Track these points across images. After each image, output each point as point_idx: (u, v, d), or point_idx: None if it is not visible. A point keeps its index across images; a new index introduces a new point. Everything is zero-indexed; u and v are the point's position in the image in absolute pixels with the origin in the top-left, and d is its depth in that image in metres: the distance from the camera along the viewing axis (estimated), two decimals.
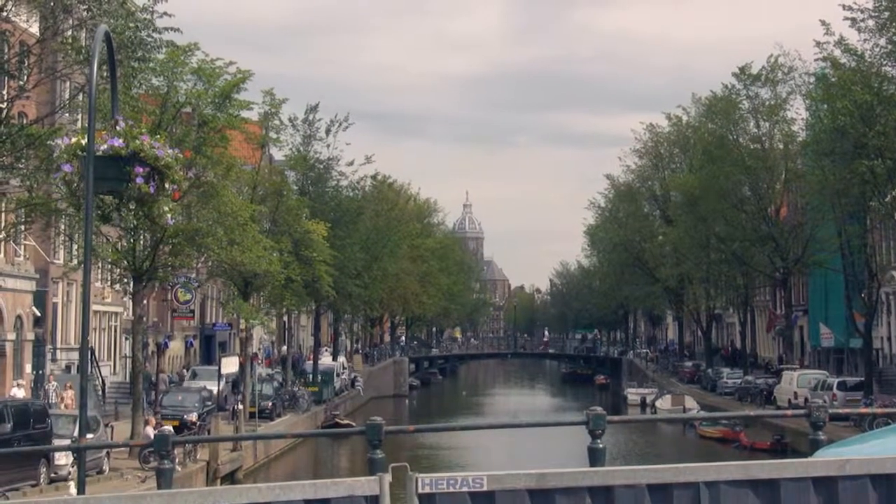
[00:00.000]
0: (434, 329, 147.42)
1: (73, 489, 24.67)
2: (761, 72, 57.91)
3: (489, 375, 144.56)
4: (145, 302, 42.52)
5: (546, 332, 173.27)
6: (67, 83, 35.06)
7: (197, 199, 34.74)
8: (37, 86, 27.91)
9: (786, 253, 58.14)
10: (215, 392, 45.46)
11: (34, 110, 31.45)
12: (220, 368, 46.42)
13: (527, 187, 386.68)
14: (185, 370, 58.23)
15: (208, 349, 69.02)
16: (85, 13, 26.66)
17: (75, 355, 45.85)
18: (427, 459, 41.57)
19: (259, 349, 73.48)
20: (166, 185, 11.07)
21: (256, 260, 39.20)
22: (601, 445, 9.67)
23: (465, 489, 8.69)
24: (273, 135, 48.79)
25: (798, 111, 57.88)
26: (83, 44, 27.56)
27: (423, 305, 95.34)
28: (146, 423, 33.22)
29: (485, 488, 8.70)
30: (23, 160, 27.60)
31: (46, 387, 38.19)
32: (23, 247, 40.48)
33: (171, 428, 31.73)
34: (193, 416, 39.16)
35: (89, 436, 25.64)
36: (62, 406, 34.27)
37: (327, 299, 58.37)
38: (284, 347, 71.11)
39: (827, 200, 49.33)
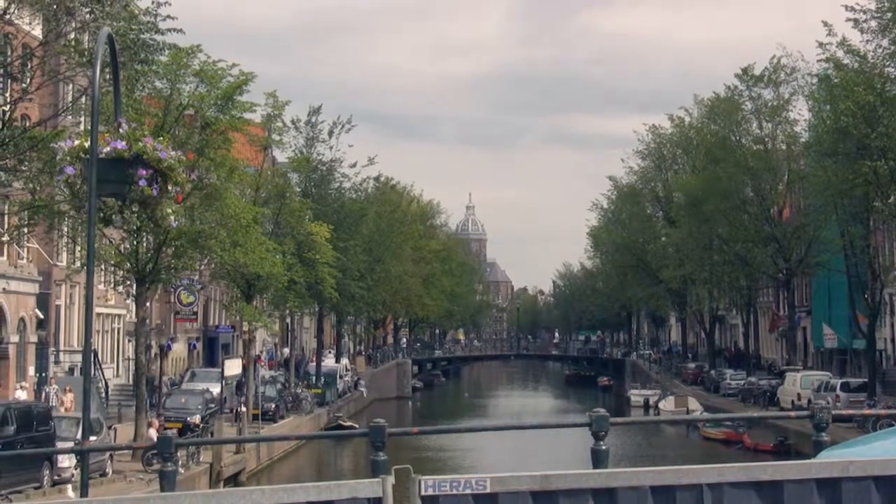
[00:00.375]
0: (437, 331, 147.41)
1: (70, 492, 24.64)
2: (764, 73, 57.94)
3: (492, 377, 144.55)
4: (148, 304, 42.54)
5: (556, 333, 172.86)
6: (70, 86, 35.06)
7: (200, 202, 34.74)
8: (39, 88, 27.90)
9: (789, 254, 58.11)
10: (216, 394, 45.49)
11: (37, 113, 31.42)
12: (223, 371, 46.45)
13: (530, 189, 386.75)
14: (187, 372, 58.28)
15: (211, 351, 69.06)
16: (88, 16, 26.66)
17: (78, 358, 45.89)
18: (430, 461, 41.53)
19: (262, 351, 73.51)
20: (169, 188, 11.07)
21: (259, 262, 39.22)
22: (604, 447, 9.68)
23: (468, 491, 8.69)
24: (276, 137, 48.85)
25: (801, 112, 57.98)
26: (86, 46, 27.57)
27: (426, 307, 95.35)
28: (149, 425, 33.25)
29: (488, 490, 8.71)
30: (26, 163, 27.62)
31: (47, 389, 38.15)
32: (26, 249, 40.50)
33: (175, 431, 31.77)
34: (196, 419, 39.15)
35: (92, 438, 25.69)
36: (62, 409, 34.19)
37: (330, 301, 58.38)
38: (286, 350, 71.15)
39: (830, 201, 49.32)
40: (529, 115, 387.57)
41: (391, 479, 8.77)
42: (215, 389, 45.79)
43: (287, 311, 60.04)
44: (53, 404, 34.90)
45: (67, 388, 36.67)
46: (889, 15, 41.06)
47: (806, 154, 55.41)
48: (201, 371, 54.67)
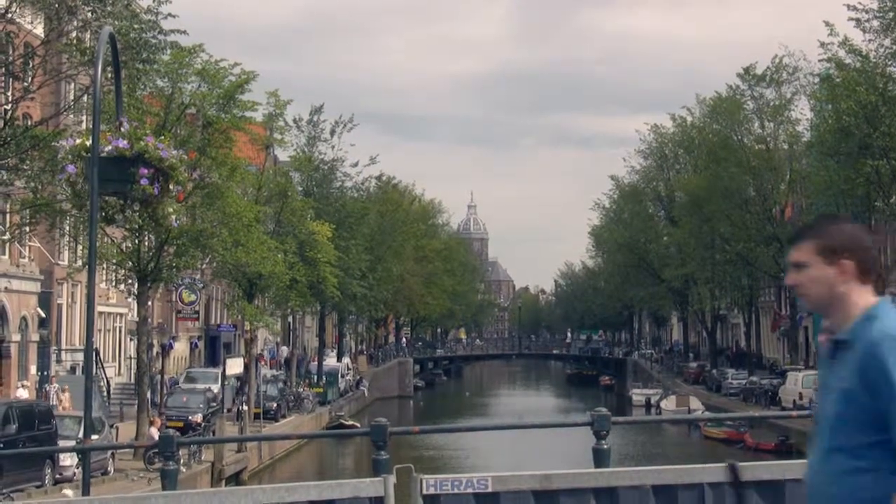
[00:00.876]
0: (439, 330, 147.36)
1: (67, 492, 24.61)
2: (766, 72, 57.93)
3: (494, 376, 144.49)
4: (150, 303, 42.51)
5: (568, 333, 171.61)
6: (72, 84, 35.06)
7: (201, 201, 34.74)
8: (41, 87, 27.91)
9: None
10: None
11: (39, 112, 31.41)
12: (223, 371, 46.48)
13: (532, 188, 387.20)
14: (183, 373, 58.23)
15: (213, 350, 69.04)
16: (90, 15, 26.67)
17: (80, 356, 45.88)
18: (432, 460, 41.55)
19: (264, 350, 73.51)
20: (171, 187, 11.07)
21: (261, 261, 39.22)
22: (606, 446, 9.67)
23: (469, 490, 8.67)
24: (277, 136, 48.85)
25: (803, 111, 57.96)
26: (88, 45, 27.57)
27: (427, 306, 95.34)
28: (151, 424, 33.24)
29: (489, 489, 8.69)
30: (27, 161, 27.64)
31: (47, 388, 38.15)
32: (27, 248, 40.50)
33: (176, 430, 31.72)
34: (198, 417, 39.18)
35: (94, 437, 25.69)
36: (59, 408, 34.19)
37: (332, 300, 58.40)
38: (285, 348, 71.09)
39: (832, 201, 49.24)
40: (530, 115, 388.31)
41: (393, 479, 8.75)
42: (214, 389, 45.82)
43: (289, 311, 60.04)
44: (55, 403, 34.91)
45: (64, 387, 36.66)
46: (891, 14, 41.03)
47: (808, 154, 55.37)
48: (198, 371, 54.53)
